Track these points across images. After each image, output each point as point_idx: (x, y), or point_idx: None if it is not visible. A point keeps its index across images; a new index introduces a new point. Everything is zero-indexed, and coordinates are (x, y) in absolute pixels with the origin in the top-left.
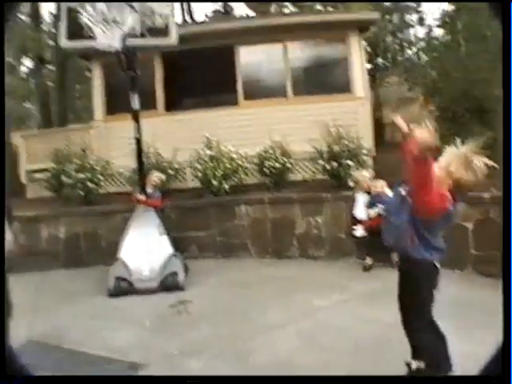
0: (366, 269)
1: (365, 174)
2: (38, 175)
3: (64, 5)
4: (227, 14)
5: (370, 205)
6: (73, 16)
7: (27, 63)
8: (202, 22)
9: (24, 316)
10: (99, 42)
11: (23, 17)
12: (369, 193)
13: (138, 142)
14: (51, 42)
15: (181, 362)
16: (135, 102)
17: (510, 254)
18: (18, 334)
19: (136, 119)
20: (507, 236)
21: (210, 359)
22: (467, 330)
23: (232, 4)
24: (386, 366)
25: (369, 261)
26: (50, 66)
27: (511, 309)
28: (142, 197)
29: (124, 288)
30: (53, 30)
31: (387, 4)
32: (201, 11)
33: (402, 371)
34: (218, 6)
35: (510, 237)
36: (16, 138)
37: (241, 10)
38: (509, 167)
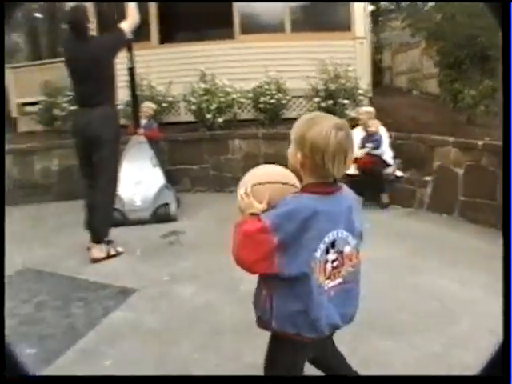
0: None
1: (370, 110)
2: (28, 108)
3: None
4: None
5: (363, 143)
6: None
7: None
8: None
9: (21, 245)
10: None
11: None
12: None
13: (132, 72)
14: None
15: (171, 287)
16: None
17: (510, 258)
18: (16, 261)
19: (129, 49)
20: (507, 235)
21: (200, 286)
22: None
23: None
24: None
25: None
26: None
27: (511, 308)
28: (141, 130)
29: (117, 218)
30: None
31: None
32: None
33: None
34: None
35: (510, 236)
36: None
37: None
38: (509, 164)
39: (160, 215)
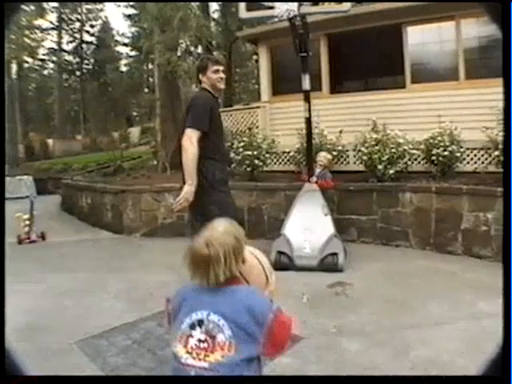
0: None
1: None
2: None
3: None
4: None
5: None
6: None
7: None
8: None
9: (171, 274)
10: (277, 9)
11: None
12: None
13: (308, 121)
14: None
15: (337, 340)
16: (306, 83)
17: (510, 257)
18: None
19: (307, 99)
20: (507, 239)
21: (368, 345)
22: None
23: None
24: None
25: None
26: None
27: (511, 308)
28: (314, 178)
29: (284, 262)
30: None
31: None
32: None
33: None
34: None
35: (509, 240)
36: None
37: None
38: (509, 166)
39: (327, 264)
